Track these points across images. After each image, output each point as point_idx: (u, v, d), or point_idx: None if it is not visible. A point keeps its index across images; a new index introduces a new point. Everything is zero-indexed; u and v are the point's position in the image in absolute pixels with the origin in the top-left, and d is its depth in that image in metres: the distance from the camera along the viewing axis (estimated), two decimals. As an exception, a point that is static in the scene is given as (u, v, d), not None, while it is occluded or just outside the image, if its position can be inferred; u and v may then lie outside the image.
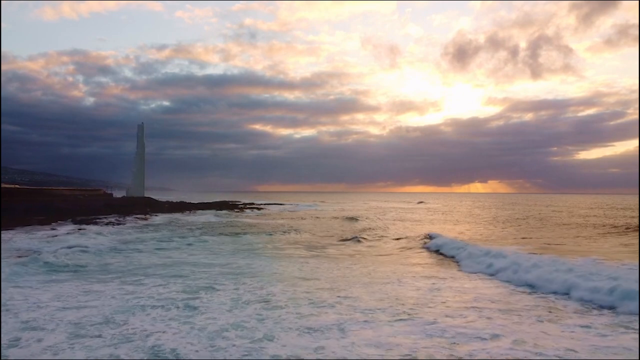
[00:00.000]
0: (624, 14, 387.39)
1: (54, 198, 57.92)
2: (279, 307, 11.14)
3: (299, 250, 24.46)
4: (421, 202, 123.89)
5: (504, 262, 17.35)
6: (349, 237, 30.38)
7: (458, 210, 75.20)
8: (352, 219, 49.33)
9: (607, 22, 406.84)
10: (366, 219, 50.81)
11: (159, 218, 50.37)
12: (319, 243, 28.07)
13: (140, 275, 16.54)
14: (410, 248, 25.82)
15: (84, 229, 33.67)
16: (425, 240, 28.35)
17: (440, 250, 23.72)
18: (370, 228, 38.45)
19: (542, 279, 14.48)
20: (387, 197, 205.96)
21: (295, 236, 31.94)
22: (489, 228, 39.53)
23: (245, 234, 32.70)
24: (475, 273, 17.31)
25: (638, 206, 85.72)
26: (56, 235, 28.66)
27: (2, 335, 8.87)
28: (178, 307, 11.06)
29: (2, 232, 29.02)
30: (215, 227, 38.44)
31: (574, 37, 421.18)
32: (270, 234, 32.66)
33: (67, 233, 30.33)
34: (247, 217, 54.90)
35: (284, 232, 34.60)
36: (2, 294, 12.36)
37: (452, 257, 21.72)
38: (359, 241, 28.60)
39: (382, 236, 31.88)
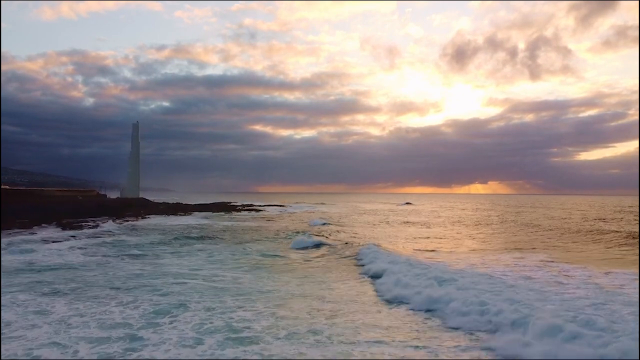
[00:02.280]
0: (622, 15, 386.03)
1: (43, 199, 56.21)
2: (247, 341, 9.18)
3: (291, 259, 22.70)
4: (408, 203, 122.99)
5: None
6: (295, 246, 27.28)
7: (433, 212, 73.14)
8: (324, 224, 45.48)
9: (606, 23, 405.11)
10: (336, 223, 48.04)
11: (151, 220, 48.71)
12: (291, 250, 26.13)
13: (107, 288, 14.82)
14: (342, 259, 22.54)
15: (65, 233, 32.00)
16: (357, 253, 23.72)
17: (361, 262, 20.84)
18: (331, 232, 35.89)
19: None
20: (383, 199, 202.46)
21: (289, 243, 30.05)
22: (455, 232, 37.98)
23: (238, 240, 30.82)
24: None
25: (638, 207, 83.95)
26: (31, 240, 26.93)
27: None
28: (122, 340, 9.10)
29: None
30: (208, 231, 36.67)
31: (572, 39, 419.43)
32: (265, 240, 30.75)
33: (44, 238, 28.56)
34: (244, 220, 53.10)
35: (281, 237, 32.67)
36: None
37: (362, 263, 19.73)
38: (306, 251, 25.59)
39: (331, 244, 28.17)
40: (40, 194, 61.81)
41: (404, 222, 49.87)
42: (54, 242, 26.86)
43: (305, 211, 78.16)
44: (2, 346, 8.85)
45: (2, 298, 13.07)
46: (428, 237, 33.20)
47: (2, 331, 9.87)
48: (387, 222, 50.12)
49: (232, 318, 11.04)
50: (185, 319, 10.90)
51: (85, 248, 24.81)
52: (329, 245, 27.37)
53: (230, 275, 17.31)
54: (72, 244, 26.23)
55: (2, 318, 10.94)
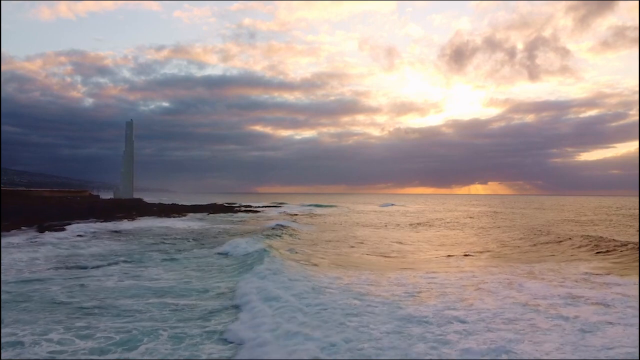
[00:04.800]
0: (621, 15, 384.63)
1: (31, 200, 54.04)
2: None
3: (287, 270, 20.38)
4: (392, 204, 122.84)
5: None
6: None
7: (413, 214, 70.96)
8: (279, 226, 41.81)
9: (604, 23, 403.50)
10: (296, 224, 45.39)
11: (141, 223, 46.41)
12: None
13: (64, 308, 12.59)
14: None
15: (42, 237, 29.78)
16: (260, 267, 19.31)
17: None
18: (276, 236, 32.70)
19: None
20: (380, 199, 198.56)
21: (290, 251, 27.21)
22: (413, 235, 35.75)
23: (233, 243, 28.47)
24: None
25: (638, 208, 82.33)
26: None
27: None
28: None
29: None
30: (204, 235, 34.47)
31: (570, 39, 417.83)
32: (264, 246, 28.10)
33: (13, 243, 26.19)
34: (243, 223, 50.91)
35: (280, 241, 30.08)
36: None
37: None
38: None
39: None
40: (28, 195, 59.63)
41: (367, 225, 48.18)
42: (23, 246, 24.62)
43: (287, 212, 76.37)
44: None
45: None
46: (372, 242, 30.99)
47: None
48: (348, 223, 49.07)
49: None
50: (149, 350, 8.75)
51: (57, 256, 22.48)
52: (254, 252, 23.30)
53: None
54: (44, 250, 23.89)
55: None
